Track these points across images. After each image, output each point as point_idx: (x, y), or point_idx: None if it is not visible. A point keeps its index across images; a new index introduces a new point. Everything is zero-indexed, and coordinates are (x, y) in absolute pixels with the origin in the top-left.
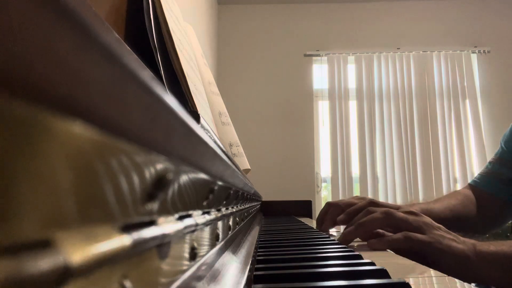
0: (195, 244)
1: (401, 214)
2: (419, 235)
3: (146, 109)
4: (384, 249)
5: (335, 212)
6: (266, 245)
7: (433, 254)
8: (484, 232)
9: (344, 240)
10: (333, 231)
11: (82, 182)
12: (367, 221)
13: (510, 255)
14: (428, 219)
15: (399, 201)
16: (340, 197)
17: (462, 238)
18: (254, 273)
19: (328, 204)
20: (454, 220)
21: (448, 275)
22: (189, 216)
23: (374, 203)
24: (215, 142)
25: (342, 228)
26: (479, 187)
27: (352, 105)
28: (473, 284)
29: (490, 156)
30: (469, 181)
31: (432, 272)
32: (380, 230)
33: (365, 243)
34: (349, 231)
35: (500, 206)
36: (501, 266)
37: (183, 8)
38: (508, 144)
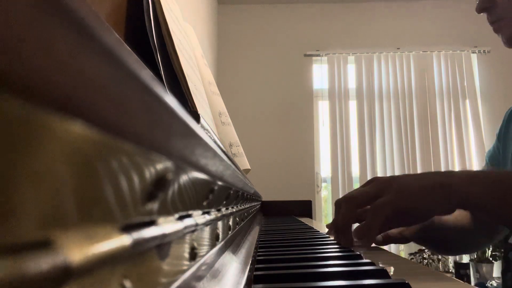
0: (195, 244)
1: (355, 192)
2: (384, 200)
3: (146, 109)
4: (375, 239)
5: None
6: (266, 245)
7: (408, 205)
8: (483, 244)
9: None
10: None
11: (82, 182)
12: (341, 225)
13: (486, 174)
14: (384, 178)
15: None
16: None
17: (424, 173)
18: (254, 273)
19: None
20: (459, 231)
21: (436, 212)
22: (189, 216)
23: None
24: (215, 142)
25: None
26: None
27: (352, 105)
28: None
29: None
30: None
31: (432, 271)
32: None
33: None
34: (338, 240)
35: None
36: (479, 180)
37: (183, 8)
38: (492, 160)
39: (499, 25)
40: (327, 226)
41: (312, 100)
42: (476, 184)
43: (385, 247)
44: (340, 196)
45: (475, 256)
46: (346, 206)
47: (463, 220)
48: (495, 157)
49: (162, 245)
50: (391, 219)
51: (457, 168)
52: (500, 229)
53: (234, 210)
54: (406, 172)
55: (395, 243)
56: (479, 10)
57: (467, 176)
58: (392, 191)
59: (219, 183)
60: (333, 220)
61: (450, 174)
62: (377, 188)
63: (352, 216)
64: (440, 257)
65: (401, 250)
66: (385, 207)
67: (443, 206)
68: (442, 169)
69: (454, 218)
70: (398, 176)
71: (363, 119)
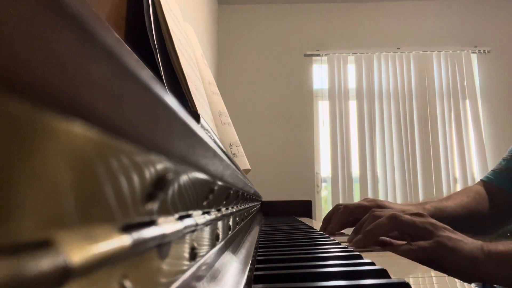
0: (195, 244)
1: (407, 217)
2: (422, 244)
3: (146, 109)
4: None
5: (343, 213)
6: (266, 245)
7: (440, 257)
8: (494, 229)
9: (355, 248)
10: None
11: (82, 182)
12: (374, 228)
13: None
14: (433, 220)
15: (399, 201)
16: (340, 197)
17: (469, 239)
18: (254, 273)
19: (337, 206)
20: (466, 217)
21: (456, 276)
22: (189, 216)
23: (380, 206)
24: (215, 142)
25: (347, 231)
26: (492, 183)
27: (352, 105)
28: (473, 284)
29: (490, 156)
30: (469, 181)
31: (432, 272)
32: (387, 239)
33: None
34: (358, 240)
35: None
36: (510, 265)
37: (183, 8)
38: None
39: None
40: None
41: (312, 100)
42: (504, 269)
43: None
44: (340, 197)
45: None
46: (379, 229)
47: (472, 206)
48: None
49: (162, 245)
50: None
51: (457, 168)
52: None
53: (234, 210)
54: (406, 172)
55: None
56: None
57: (497, 258)
58: (434, 242)
59: (219, 183)
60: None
61: (485, 250)
62: (423, 228)
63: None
64: None
65: None
66: (421, 252)
67: (464, 274)
68: (442, 169)
69: (460, 206)
70: (446, 228)
71: (363, 119)
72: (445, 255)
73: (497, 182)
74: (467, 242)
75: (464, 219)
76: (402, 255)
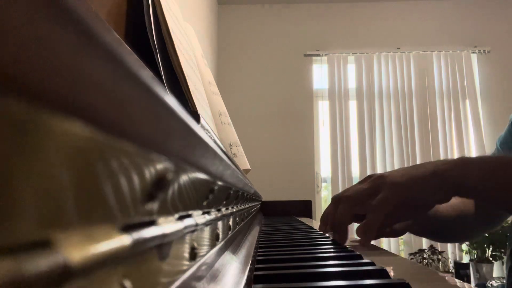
0: (195, 244)
1: (354, 192)
2: (380, 197)
3: (146, 109)
4: (373, 238)
5: (345, 216)
6: (266, 245)
7: (403, 199)
8: (483, 231)
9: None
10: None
11: (82, 182)
12: (338, 222)
13: (479, 159)
14: (377, 174)
15: None
16: None
17: (421, 164)
18: (254, 273)
19: (334, 201)
20: (456, 217)
21: (428, 202)
22: (189, 216)
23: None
24: (215, 142)
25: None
26: None
27: (352, 105)
28: (473, 285)
29: None
30: None
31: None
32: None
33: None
34: (334, 237)
35: None
36: (473, 167)
37: (183, 8)
38: (503, 145)
39: None
40: (321, 220)
41: (312, 100)
42: (470, 169)
43: (385, 247)
44: None
45: (475, 256)
46: (343, 206)
47: (460, 208)
48: (506, 142)
49: (162, 245)
50: (391, 215)
51: None
52: (503, 216)
53: (234, 210)
54: None
55: (386, 237)
56: None
57: (460, 162)
58: (386, 187)
59: (219, 183)
60: (330, 217)
61: (443, 161)
62: (372, 186)
63: (349, 215)
64: (440, 257)
65: (401, 250)
66: (382, 204)
67: (437, 195)
68: None
69: (450, 206)
70: (392, 171)
71: (363, 119)
72: (406, 192)
73: None
74: (418, 167)
75: (454, 219)
76: (373, 225)
